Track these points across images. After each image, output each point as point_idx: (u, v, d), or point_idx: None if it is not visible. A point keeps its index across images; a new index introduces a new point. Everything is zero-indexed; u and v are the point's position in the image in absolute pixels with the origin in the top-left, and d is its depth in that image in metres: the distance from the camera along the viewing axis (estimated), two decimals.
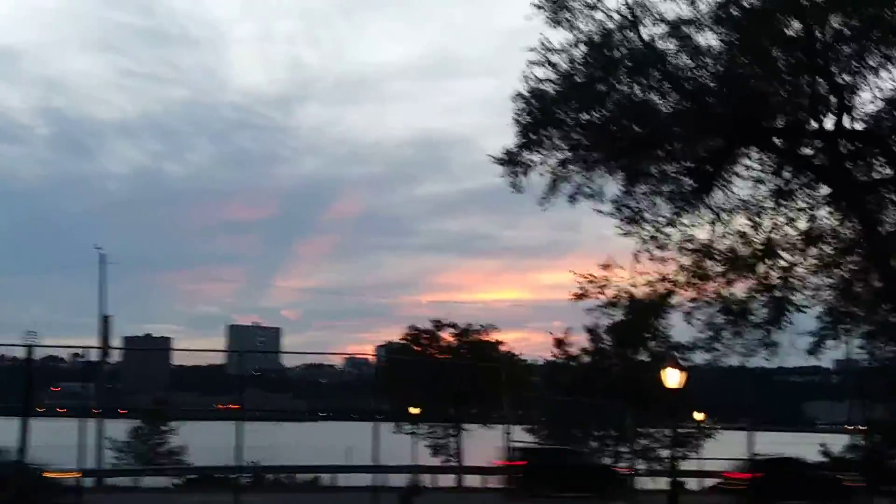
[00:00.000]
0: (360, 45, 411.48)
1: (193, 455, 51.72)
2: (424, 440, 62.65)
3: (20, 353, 26.40)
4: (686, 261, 28.71)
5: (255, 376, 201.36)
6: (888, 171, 26.40)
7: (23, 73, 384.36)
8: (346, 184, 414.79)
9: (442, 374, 58.38)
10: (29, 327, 27.17)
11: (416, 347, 64.19)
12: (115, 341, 73.93)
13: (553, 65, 25.24)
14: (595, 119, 25.71)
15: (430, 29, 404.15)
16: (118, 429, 53.79)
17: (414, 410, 61.08)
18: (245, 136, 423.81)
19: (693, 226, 28.27)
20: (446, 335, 64.78)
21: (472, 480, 50.45)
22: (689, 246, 28.51)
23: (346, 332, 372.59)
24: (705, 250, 28.46)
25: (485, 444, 51.71)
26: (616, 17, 24.88)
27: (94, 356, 55.62)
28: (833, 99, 25.14)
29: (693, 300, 29.66)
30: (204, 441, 51.03)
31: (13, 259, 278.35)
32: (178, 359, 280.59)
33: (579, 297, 31.67)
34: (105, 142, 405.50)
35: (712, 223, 28.15)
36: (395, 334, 70.01)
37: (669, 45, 24.67)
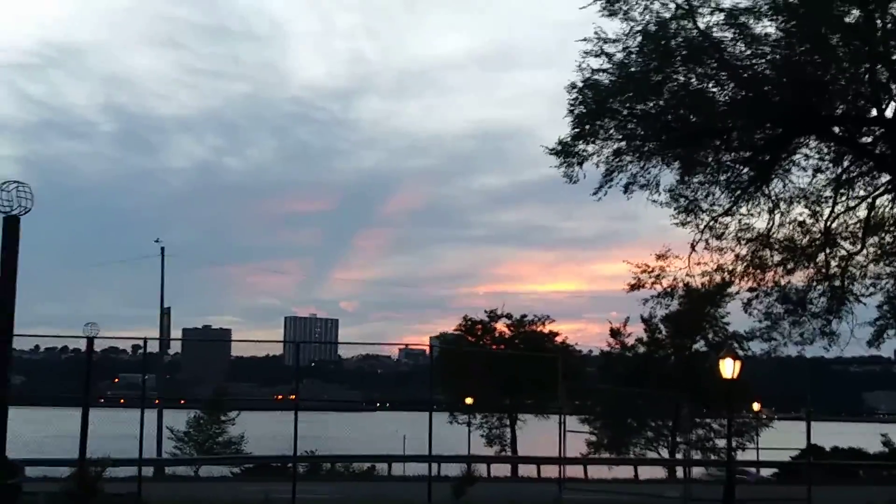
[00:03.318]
0: (419, 37, 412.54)
1: (251, 444, 52.15)
2: (479, 430, 62.63)
3: (82, 344, 26.67)
4: (743, 250, 28.43)
5: (312, 367, 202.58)
6: None
7: (88, 71, 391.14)
8: (405, 176, 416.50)
9: (496, 364, 58.34)
10: (90, 319, 27.44)
11: (469, 338, 64.20)
12: (175, 333, 74.68)
13: (608, 55, 25.04)
14: (650, 109, 25.48)
15: (489, 20, 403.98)
16: (178, 419, 54.39)
17: (469, 400, 61.12)
18: (305, 131, 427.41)
19: (750, 215, 27.99)
20: (500, 326, 64.76)
21: (526, 470, 50.33)
22: (747, 235, 28.23)
23: (402, 323, 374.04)
24: (763, 240, 28.14)
25: (539, 435, 51.59)
26: (672, 6, 24.63)
27: (154, 348, 56.12)
28: (894, 86, 24.71)
29: (751, 290, 29.36)
30: (262, 431, 51.49)
31: (78, 253, 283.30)
32: (236, 350, 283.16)
33: (634, 287, 31.41)
34: (167, 137, 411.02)
35: (770, 212, 27.83)
36: (451, 325, 70.06)
37: (726, 34, 24.37)
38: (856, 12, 23.54)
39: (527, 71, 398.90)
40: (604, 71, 25.13)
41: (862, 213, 27.79)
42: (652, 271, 29.96)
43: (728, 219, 27.80)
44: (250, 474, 44.10)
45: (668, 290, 30.13)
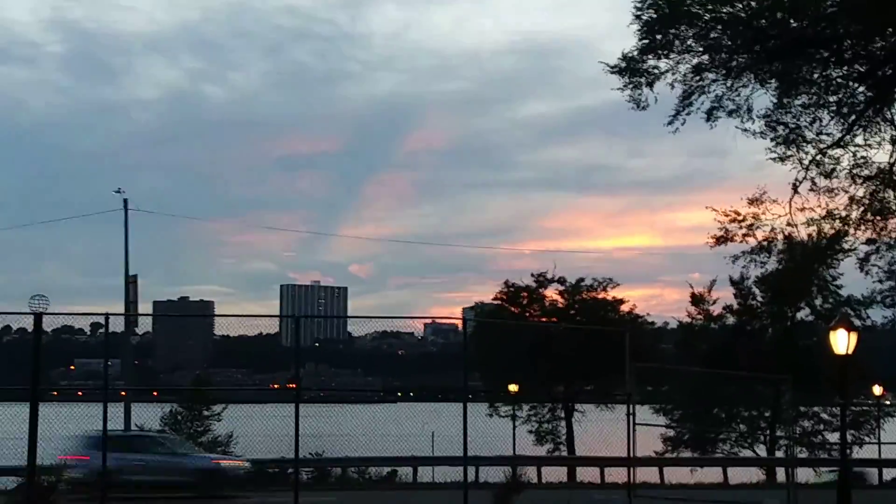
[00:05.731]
0: None
1: (242, 445, 52.60)
2: (526, 424, 62.89)
3: (28, 322, 26.74)
4: (860, 191, 28.21)
5: (317, 348, 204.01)
6: None
7: None
8: (431, 105, 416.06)
9: (547, 342, 58.38)
10: (38, 291, 27.48)
11: (513, 309, 64.30)
12: (145, 307, 75.05)
13: None
14: (740, 12, 25.23)
15: None
16: (150, 414, 54.85)
17: (513, 388, 61.29)
18: (304, 49, 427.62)
19: (868, 146, 27.76)
20: (552, 293, 64.77)
21: (586, 473, 50.52)
22: (864, 172, 27.99)
23: (428, 291, 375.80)
24: (885, 177, 27.90)
25: (603, 430, 51.74)
26: None
27: (118, 326, 56.43)
28: None
29: (869, 241, 29.15)
30: (255, 428, 51.85)
31: (20, 208, 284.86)
32: (221, 328, 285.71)
33: (721, 241, 31.32)
34: (132, 61, 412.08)
35: (893, 143, 27.56)
36: (488, 293, 70.13)
37: None
38: None
39: None
40: None
41: None
42: (743, 220, 29.86)
43: (840, 151, 27.60)
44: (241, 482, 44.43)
45: (765, 243, 29.98)
